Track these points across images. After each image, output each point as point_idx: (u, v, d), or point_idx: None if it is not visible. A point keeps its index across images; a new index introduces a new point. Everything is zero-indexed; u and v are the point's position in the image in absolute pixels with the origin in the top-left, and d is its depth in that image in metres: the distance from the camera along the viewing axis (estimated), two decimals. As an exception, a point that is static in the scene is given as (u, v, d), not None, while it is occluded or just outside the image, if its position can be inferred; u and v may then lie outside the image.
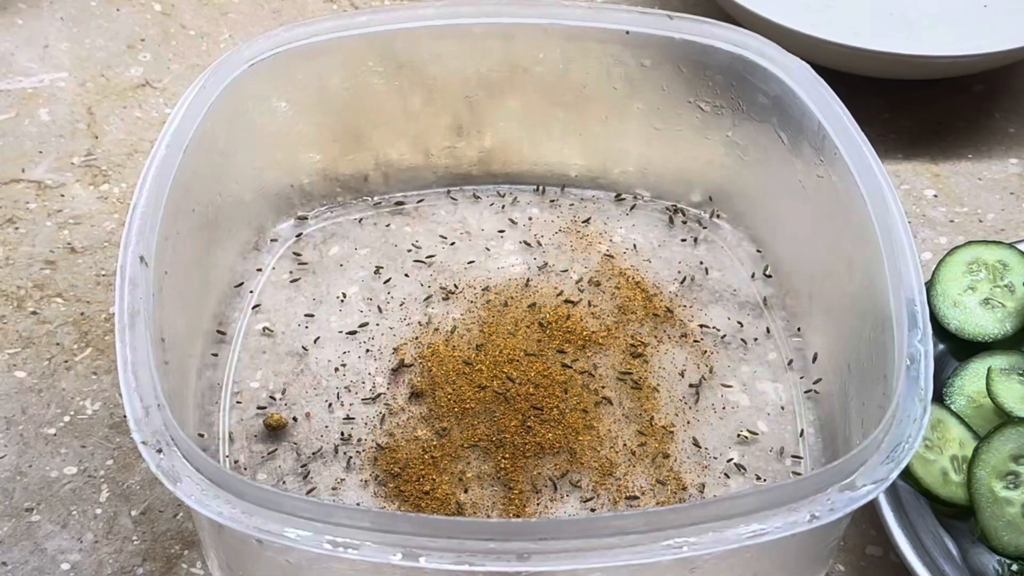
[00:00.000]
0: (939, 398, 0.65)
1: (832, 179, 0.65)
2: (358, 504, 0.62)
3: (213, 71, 0.67)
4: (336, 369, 0.68)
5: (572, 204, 0.78)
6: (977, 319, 0.67)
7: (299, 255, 0.74)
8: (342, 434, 0.65)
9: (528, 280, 0.73)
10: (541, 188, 0.79)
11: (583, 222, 0.77)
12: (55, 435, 0.67)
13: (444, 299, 0.72)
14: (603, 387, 0.67)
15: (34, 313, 0.73)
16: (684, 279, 0.73)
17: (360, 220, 0.77)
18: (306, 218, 0.76)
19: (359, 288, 0.73)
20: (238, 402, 0.67)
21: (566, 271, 0.73)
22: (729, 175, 0.75)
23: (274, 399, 0.67)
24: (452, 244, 0.75)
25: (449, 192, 0.78)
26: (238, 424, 0.66)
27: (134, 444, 0.51)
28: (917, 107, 0.88)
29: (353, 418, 0.66)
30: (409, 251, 0.75)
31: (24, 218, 0.78)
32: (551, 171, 0.79)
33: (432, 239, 0.75)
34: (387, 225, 0.76)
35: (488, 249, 0.75)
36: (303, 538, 0.48)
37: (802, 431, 0.66)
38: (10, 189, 0.80)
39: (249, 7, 0.95)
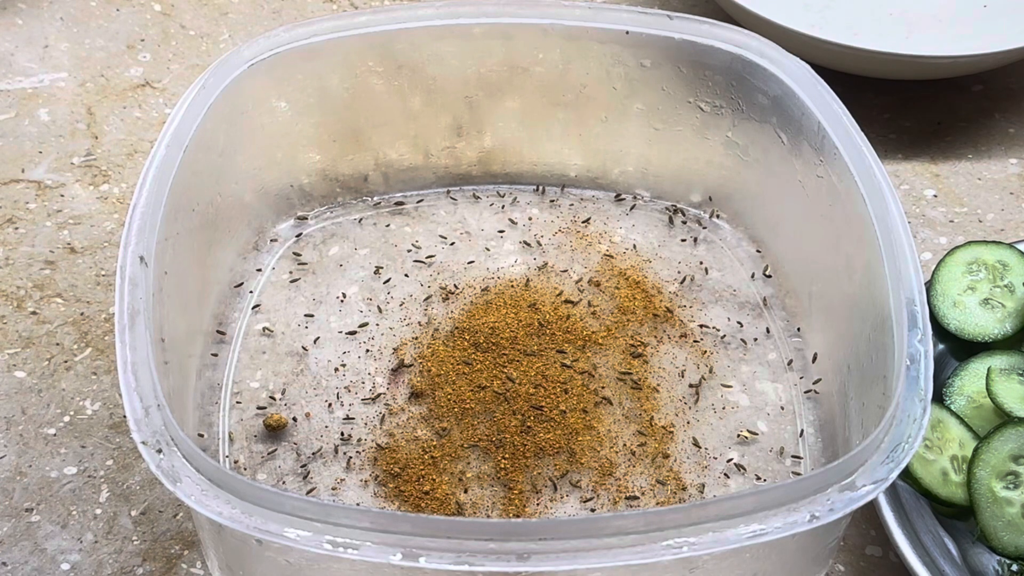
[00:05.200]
0: (939, 398, 0.65)
1: (832, 179, 0.65)
2: (358, 504, 0.62)
3: (213, 71, 0.67)
4: (336, 369, 0.68)
5: (572, 204, 0.78)
6: (977, 319, 0.67)
7: (299, 255, 0.74)
8: (342, 434, 0.65)
9: (528, 280, 0.73)
10: (541, 188, 0.79)
11: (583, 222, 0.77)
12: (55, 435, 0.67)
13: (444, 299, 0.72)
14: (603, 387, 0.67)
15: (34, 313, 0.73)
16: (684, 279, 0.73)
17: (360, 220, 0.77)
18: (306, 218, 0.76)
19: (359, 288, 0.73)
20: (238, 402, 0.67)
21: (566, 271, 0.73)
22: (729, 175, 0.75)
23: (274, 399, 0.67)
24: (452, 244, 0.75)
25: (449, 192, 0.78)
26: (238, 424, 0.66)
27: (134, 444, 0.51)
28: (917, 107, 0.88)
29: (353, 418, 0.66)
30: (409, 251, 0.75)
31: (24, 218, 0.78)
32: (551, 171, 0.79)
33: (432, 239, 0.75)
34: (387, 225, 0.76)
35: (488, 249, 0.75)
36: (303, 538, 0.48)
37: (802, 431, 0.66)
38: (10, 189, 0.80)
39: (249, 7, 0.95)
